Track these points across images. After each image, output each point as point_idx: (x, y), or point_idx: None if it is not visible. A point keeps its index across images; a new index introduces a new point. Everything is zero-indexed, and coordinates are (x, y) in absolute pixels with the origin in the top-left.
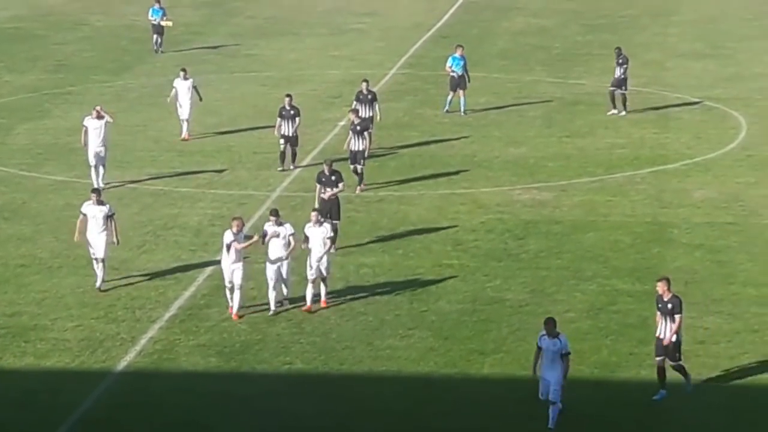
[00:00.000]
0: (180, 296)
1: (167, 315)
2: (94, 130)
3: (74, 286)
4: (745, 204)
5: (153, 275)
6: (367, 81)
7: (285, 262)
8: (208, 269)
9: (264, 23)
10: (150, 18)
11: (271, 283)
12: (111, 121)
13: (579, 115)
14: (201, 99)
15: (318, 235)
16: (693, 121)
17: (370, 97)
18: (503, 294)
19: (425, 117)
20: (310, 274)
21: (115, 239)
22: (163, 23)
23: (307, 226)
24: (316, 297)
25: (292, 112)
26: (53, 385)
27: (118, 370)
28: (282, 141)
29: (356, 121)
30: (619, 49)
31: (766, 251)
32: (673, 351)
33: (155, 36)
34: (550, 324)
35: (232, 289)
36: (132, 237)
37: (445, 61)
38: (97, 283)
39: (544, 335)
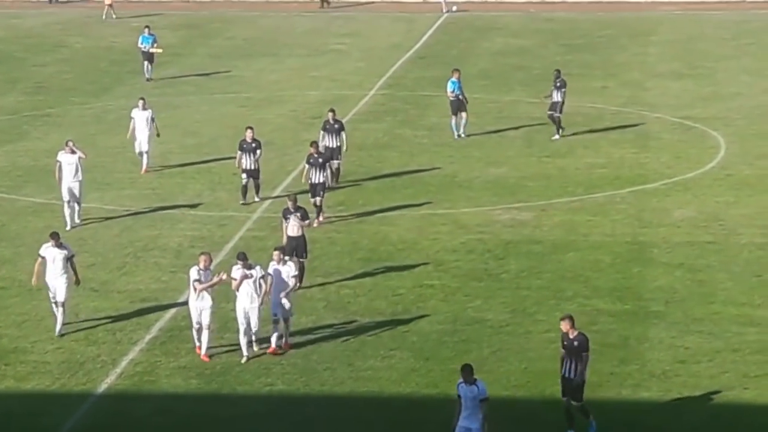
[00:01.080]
0: (161, 318)
1: (148, 337)
2: (68, 165)
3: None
4: (725, 223)
5: (133, 297)
6: (333, 110)
7: (256, 307)
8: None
9: (243, 44)
10: (140, 45)
11: (241, 328)
12: (84, 156)
13: None
14: (158, 134)
15: (281, 274)
16: (672, 140)
17: (336, 126)
18: (484, 314)
19: (405, 137)
20: (273, 314)
21: (75, 282)
22: (152, 50)
23: (270, 264)
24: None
25: (253, 144)
26: (33, 408)
27: (98, 393)
28: (244, 175)
29: (315, 153)
30: (557, 71)
31: (745, 270)
32: (577, 391)
33: (146, 63)
34: (467, 371)
35: (199, 330)
36: (112, 259)
37: (446, 85)
38: (57, 328)
39: (461, 383)
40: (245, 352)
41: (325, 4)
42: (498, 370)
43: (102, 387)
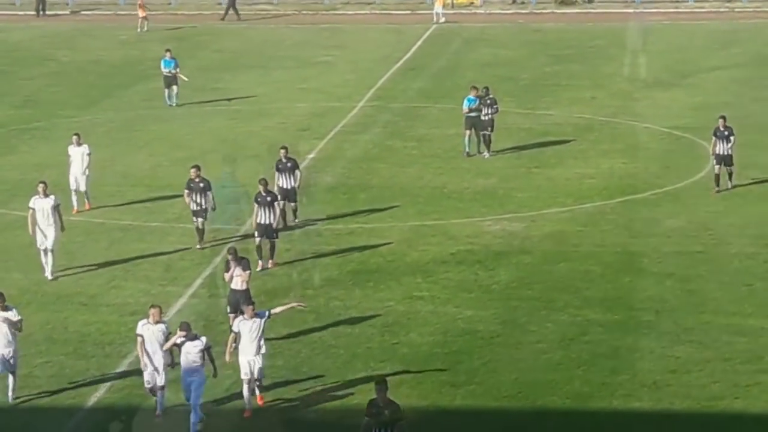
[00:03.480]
0: None
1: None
2: (41, 211)
3: (43, 322)
4: (714, 233)
5: (122, 310)
6: (285, 148)
7: (197, 380)
8: (179, 303)
9: (231, 57)
10: (163, 70)
11: (184, 394)
12: (60, 203)
13: (548, 145)
14: (86, 171)
15: (249, 330)
16: (661, 150)
17: (290, 164)
18: (474, 325)
19: (394, 149)
20: (244, 374)
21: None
22: (179, 74)
23: (238, 320)
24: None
25: (201, 184)
26: (23, 422)
27: (88, 406)
28: (194, 218)
29: (264, 191)
30: (486, 89)
31: (735, 280)
32: None
33: (167, 89)
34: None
35: (153, 390)
36: (101, 272)
37: (462, 102)
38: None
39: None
40: (193, 422)
41: (230, 15)
42: (489, 381)
43: (91, 401)
